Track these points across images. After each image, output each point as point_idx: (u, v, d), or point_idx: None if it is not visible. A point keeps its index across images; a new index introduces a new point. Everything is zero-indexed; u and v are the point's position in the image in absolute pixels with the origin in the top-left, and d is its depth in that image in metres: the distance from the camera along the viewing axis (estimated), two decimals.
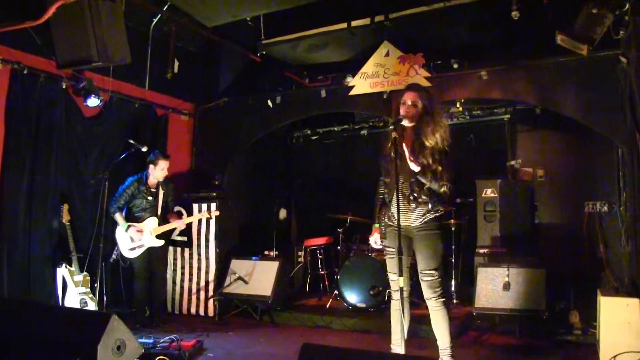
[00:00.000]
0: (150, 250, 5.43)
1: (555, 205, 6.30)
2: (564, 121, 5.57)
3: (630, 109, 4.26)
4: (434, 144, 3.49)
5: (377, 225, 3.86)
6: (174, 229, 5.83)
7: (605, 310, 4.14)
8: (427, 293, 3.56)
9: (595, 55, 4.62)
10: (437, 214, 3.55)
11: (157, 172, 5.46)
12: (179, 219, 5.70)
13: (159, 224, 5.50)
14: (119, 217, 5.33)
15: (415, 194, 3.49)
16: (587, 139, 5.92)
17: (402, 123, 3.51)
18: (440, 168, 3.45)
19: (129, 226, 5.31)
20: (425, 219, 3.53)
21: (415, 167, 3.39)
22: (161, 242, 5.50)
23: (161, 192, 5.58)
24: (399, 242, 3.25)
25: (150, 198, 5.47)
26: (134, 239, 5.35)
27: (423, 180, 3.46)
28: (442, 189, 3.47)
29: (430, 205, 3.49)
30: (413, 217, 3.55)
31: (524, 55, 5.32)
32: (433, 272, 3.51)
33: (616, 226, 5.49)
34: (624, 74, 4.48)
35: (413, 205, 3.51)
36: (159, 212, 5.55)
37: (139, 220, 5.42)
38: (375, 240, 3.87)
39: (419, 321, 5.16)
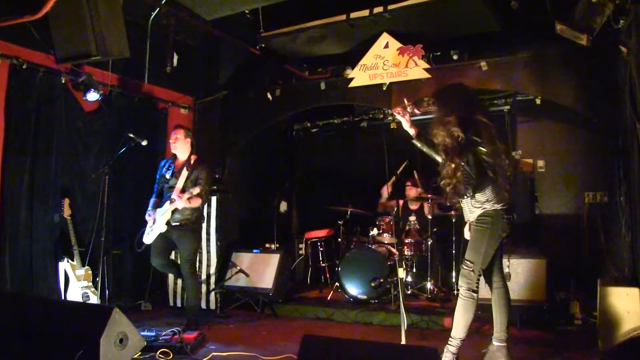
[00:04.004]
0: (165, 238, 4.98)
1: (555, 196, 6.29)
2: (564, 112, 5.56)
3: (630, 98, 4.25)
4: (440, 142, 3.52)
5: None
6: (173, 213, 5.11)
7: (606, 300, 4.15)
8: (460, 281, 3.62)
9: (595, 44, 4.59)
10: (486, 209, 3.54)
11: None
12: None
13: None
14: (151, 201, 5.06)
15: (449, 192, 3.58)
16: (587, 129, 5.91)
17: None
18: (453, 165, 3.45)
19: (148, 211, 5.03)
20: (477, 214, 3.58)
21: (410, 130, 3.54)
22: (165, 228, 4.92)
23: (184, 174, 4.94)
24: (399, 233, 3.28)
25: (171, 180, 4.99)
26: (149, 223, 5.02)
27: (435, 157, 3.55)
28: (453, 186, 3.48)
29: (479, 204, 3.55)
30: (470, 213, 3.65)
31: (523, 46, 5.30)
32: (467, 262, 3.56)
33: (616, 216, 5.48)
34: (624, 63, 4.46)
35: (470, 205, 3.62)
36: (174, 196, 4.90)
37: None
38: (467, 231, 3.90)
39: (420, 312, 5.19)
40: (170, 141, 5.09)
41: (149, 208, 5.05)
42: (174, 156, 5.13)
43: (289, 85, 6.56)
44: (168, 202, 4.92)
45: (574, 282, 5.08)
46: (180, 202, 4.82)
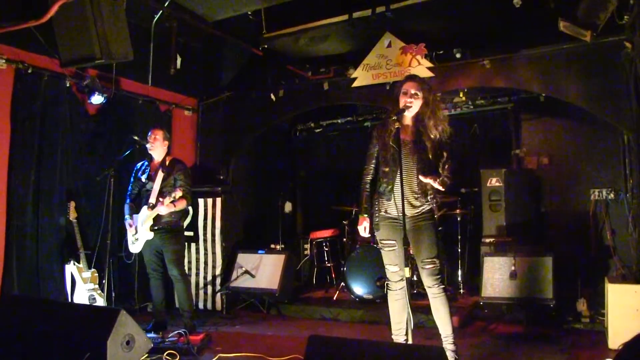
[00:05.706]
0: (151, 248, 4.92)
1: (561, 193, 6.27)
2: (568, 108, 5.53)
3: (635, 94, 4.24)
4: (435, 137, 3.55)
5: (365, 214, 3.80)
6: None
7: (613, 298, 4.14)
8: (429, 281, 3.58)
9: (599, 41, 4.57)
10: (436, 202, 3.62)
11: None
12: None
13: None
14: (125, 207, 5.02)
15: (417, 189, 3.56)
16: (592, 125, 5.88)
17: (405, 113, 3.54)
18: (446, 155, 3.54)
19: (126, 219, 4.99)
20: (423, 209, 3.59)
21: (434, 183, 3.50)
22: (152, 235, 4.83)
23: (160, 176, 4.85)
24: (404, 232, 3.28)
25: (147, 183, 4.91)
26: (130, 232, 4.99)
27: (431, 182, 3.49)
28: (444, 183, 3.50)
29: (429, 198, 3.58)
30: (409, 208, 3.55)
31: (526, 43, 5.28)
32: (435, 259, 3.56)
33: (623, 213, 5.46)
34: (629, 59, 4.45)
35: (413, 199, 3.56)
36: (152, 200, 4.81)
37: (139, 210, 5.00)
38: (364, 228, 3.80)
39: (426, 311, 5.17)
40: (149, 141, 4.97)
41: (126, 215, 4.97)
42: (150, 158, 5.05)
43: (291, 85, 6.56)
44: (146, 207, 4.83)
45: (581, 280, 5.05)
46: (163, 207, 4.69)
